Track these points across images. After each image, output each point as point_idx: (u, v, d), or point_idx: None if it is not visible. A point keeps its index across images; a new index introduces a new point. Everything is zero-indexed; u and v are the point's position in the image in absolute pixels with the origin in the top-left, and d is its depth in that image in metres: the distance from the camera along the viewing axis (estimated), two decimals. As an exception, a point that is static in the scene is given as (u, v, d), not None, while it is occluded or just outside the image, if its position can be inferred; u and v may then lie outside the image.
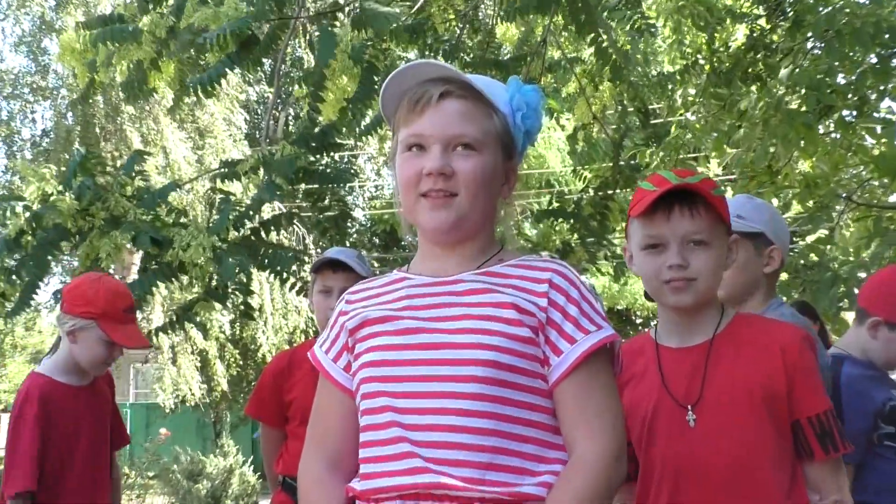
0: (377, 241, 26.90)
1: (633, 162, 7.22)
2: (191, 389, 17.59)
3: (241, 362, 18.81)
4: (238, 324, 18.28)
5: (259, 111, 22.11)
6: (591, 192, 7.07)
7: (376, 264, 21.83)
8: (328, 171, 5.49)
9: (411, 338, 1.82)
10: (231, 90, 18.25)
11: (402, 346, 1.82)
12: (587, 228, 6.64)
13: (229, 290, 5.27)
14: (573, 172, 7.40)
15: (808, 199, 6.85)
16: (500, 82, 1.96)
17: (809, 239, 6.55)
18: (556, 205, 6.84)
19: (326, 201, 5.86)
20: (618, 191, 7.06)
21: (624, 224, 7.95)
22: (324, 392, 1.95)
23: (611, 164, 7.14)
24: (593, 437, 1.75)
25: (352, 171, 25.96)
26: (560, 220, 6.71)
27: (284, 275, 5.27)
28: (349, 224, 27.28)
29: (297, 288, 5.58)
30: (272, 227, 5.42)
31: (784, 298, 4.34)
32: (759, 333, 2.28)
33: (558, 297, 1.82)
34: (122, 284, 3.76)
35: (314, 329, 18.86)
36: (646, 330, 2.53)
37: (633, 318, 25.39)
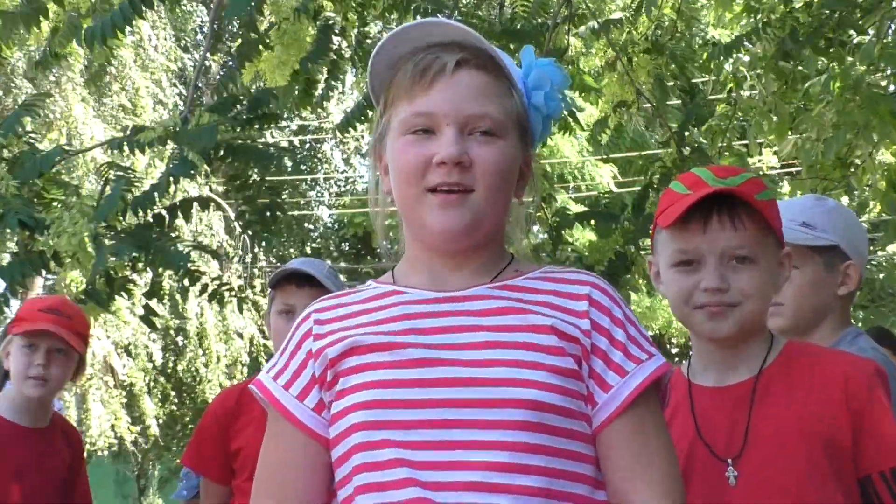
0: (346, 248, 26.87)
1: (699, 143, 7.19)
2: (115, 431, 17.49)
3: (175, 400, 18.77)
4: (171, 352, 18.27)
5: (202, 85, 22.10)
6: (642, 190, 7.05)
7: (345, 278, 21.84)
8: (260, 147, 5.47)
9: (423, 371, 1.79)
10: (159, 57, 18.23)
11: (410, 382, 1.79)
12: (647, 234, 6.58)
13: (115, 290, 5.24)
14: (612, 159, 7.33)
15: (892, 200, 6.84)
16: (509, 57, 1.96)
17: (891, 249, 6.52)
18: (604, 205, 6.78)
19: (252, 190, 5.75)
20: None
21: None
22: (280, 436, 1.89)
23: (672, 150, 7.12)
24: (653, 493, 1.78)
25: (315, 157, 25.78)
26: (610, 224, 6.66)
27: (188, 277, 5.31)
28: (311, 226, 27.29)
29: (208, 293, 5.65)
30: (179, 214, 5.35)
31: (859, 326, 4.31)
32: (816, 367, 2.28)
33: (602, 317, 1.84)
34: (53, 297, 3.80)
35: (266, 357, 18.84)
36: (682, 363, 2.50)
37: (668, 345, 25.39)
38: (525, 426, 1.73)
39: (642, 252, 6.58)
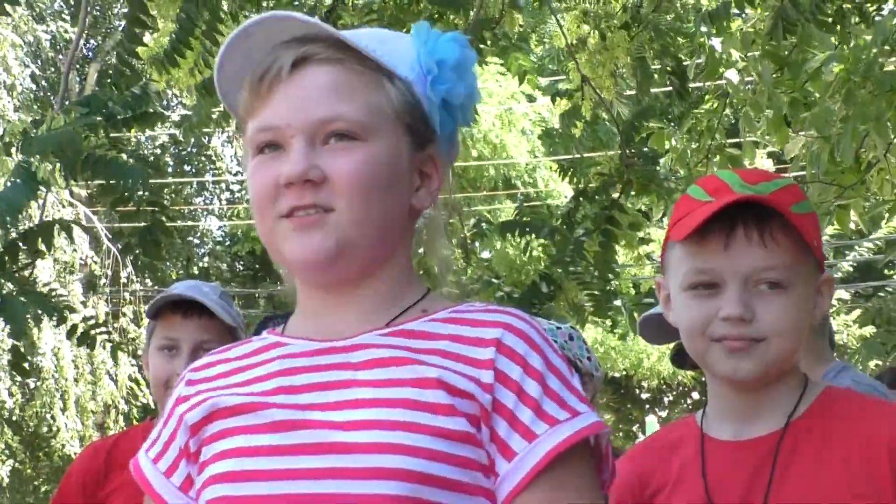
0: (240, 268, 26.79)
1: (647, 149, 7.24)
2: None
3: (25, 454, 18.56)
4: (21, 396, 18.08)
5: (60, 62, 21.95)
6: (578, 200, 7.08)
7: (238, 306, 21.88)
8: (126, 162, 5.40)
9: (287, 437, 1.80)
10: (4, 29, 17.98)
11: (272, 449, 1.80)
12: (581, 254, 6.58)
13: None
14: (562, 171, 7.40)
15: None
16: (406, 36, 1.98)
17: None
18: (527, 213, 6.83)
19: (132, 204, 5.70)
20: (631, 197, 7.08)
21: (636, 250, 7.99)
22: None
23: (614, 154, 7.17)
24: None
25: (201, 154, 25.67)
26: (533, 236, 6.71)
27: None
28: (197, 241, 27.12)
29: (77, 335, 5.64)
30: (43, 240, 5.31)
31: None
32: (856, 420, 2.27)
33: (512, 368, 1.80)
34: None
35: (140, 406, 18.69)
36: (692, 414, 2.49)
37: (638, 389, 25.62)
38: (394, 502, 1.72)
39: (571, 276, 6.65)
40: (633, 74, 7.33)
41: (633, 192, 7.20)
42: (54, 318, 5.27)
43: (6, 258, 5.18)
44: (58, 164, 5.00)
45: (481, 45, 6.84)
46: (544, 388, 1.79)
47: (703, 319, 2.27)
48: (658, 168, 7.31)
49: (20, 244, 5.23)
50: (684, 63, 7.71)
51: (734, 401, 2.33)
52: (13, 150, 5.08)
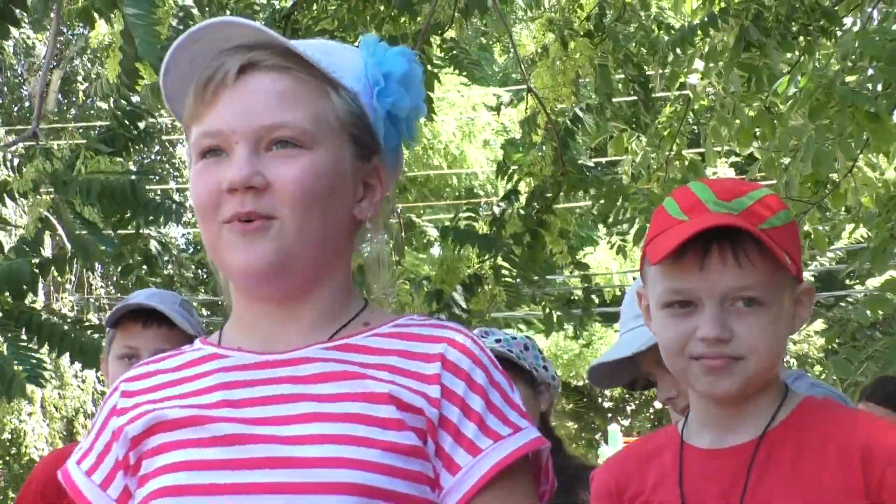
0: (203, 275, 26.54)
1: (582, 159, 7.31)
2: None
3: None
4: (-18, 403, 17.87)
5: (19, 69, 21.74)
6: (520, 201, 7.18)
7: (205, 313, 21.71)
8: (156, 199, 5.48)
9: (233, 451, 1.80)
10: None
11: (218, 463, 1.80)
12: (509, 256, 6.69)
13: None
14: (500, 172, 7.47)
15: (874, 225, 6.94)
16: (354, 48, 1.99)
17: (871, 284, 6.62)
18: (462, 220, 6.99)
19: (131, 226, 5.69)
20: (561, 198, 7.13)
21: (564, 249, 8.09)
22: None
23: (546, 162, 7.22)
24: None
25: (162, 165, 25.47)
26: (465, 244, 6.78)
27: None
28: (159, 247, 27.05)
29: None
30: (56, 269, 5.33)
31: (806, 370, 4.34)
32: (832, 428, 2.25)
33: (456, 383, 1.83)
34: None
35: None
36: (675, 423, 2.52)
37: (601, 398, 25.62)
38: None
39: (504, 277, 6.77)
40: (595, 83, 7.35)
41: (562, 194, 7.31)
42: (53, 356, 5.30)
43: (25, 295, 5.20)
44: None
45: (430, 51, 6.90)
46: (487, 404, 1.82)
47: (680, 338, 2.26)
48: (590, 172, 7.38)
49: (37, 273, 5.23)
50: (647, 73, 7.76)
51: (714, 412, 2.32)
52: (42, 189, 5.15)
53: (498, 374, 1.85)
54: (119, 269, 6.32)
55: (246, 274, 1.84)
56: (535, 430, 1.84)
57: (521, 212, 7.20)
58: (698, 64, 7.43)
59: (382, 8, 6.82)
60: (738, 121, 7.00)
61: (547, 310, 7.67)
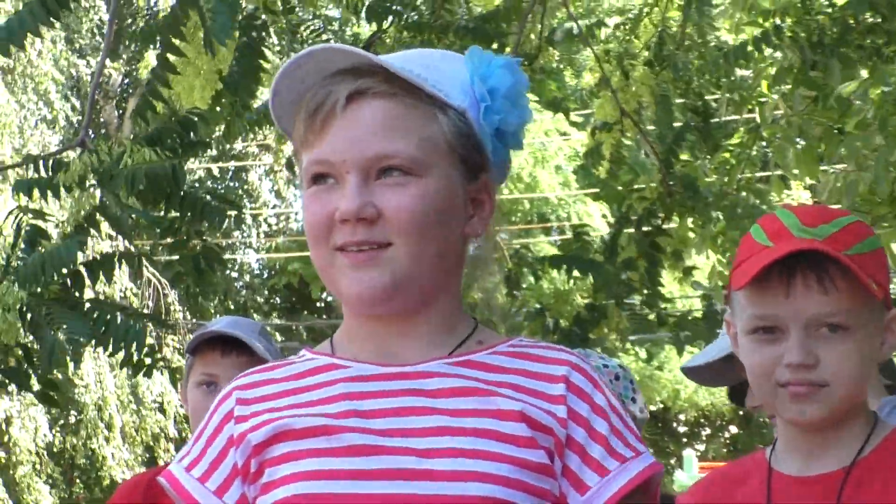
0: (277, 301, 26.68)
1: (689, 178, 7.20)
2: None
3: (63, 488, 18.48)
4: (61, 427, 18.02)
5: (99, 98, 21.99)
6: (620, 226, 7.07)
7: (279, 338, 21.75)
8: (204, 196, 5.44)
9: (365, 461, 1.80)
10: (44, 63, 17.99)
11: (350, 473, 1.80)
12: (624, 283, 6.63)
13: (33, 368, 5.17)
14: (601, 194, 7.38)
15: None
16: (456, 55, 1.98)
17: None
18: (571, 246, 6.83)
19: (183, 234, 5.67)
20: (673, 221, 7.06)
21: (679, 273, 7.92)
22: None
23: (655, 185, 7.16)
24: None
25: (238, 191, 25.57)
26: (577, 270, 6.68)
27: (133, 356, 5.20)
28: (235, 274, 27.01)
29: (144, 368, 5.54)
30: (101, 273, 5.30)
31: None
32: None
33: (580, 404, 1.85)
34: None
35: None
36: (763, 449, 2.50)
37: (675, 422, 25.37)
38: None
39: (619, 304, 6.66)
40: (655, 113, 7.33)
41: (675, 217, 7.23)
42: (96, 346, 5.24)
43: (73, 289, 5.17)
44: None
45: None
46: (610, 426, 1.84)
47: (767, 364, 2.26)
48: (699, 195, 7.26)
49: (84, 274, 5.21)
50: (709, 99, 7.73)
51: (801, 439, 2.32)
52: (87, 183, 5.08)
53: (613, 398, 1.87)
54: (169, 278, 6.26)
55: (359, 300, 1.85)
56: (650, 455, 1.86)
57: (634, 237, 7.12)
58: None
59: (457, 38, 6.78)
60: (802, 141, 6.98)
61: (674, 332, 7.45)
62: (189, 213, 5.31)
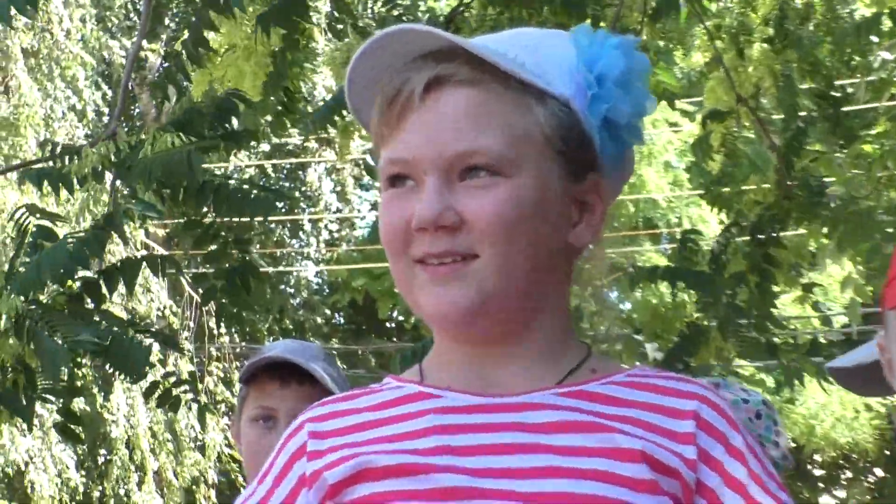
0: (339, 320, 26.64)
1: (812, 179, 7.16)
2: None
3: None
4: (93, 470, 18.16)
5: (133, 86, 22.21)
6: (730, 234, 7.09)
7: (342, 365, 21.83)
8: (245, 188, 5.38)
9: None
10: (72, 45, 18.18)
11: None
12: (732, 302, 6.61)
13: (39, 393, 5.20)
14: (708, 197, 7.32)
15: None
16: (561, 34, 1.98)
17: None
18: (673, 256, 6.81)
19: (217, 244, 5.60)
20: (790, 229, 7.02)
21: (797, 291, 7.80)
22: None
23: (770, 186, 7.17)
24: None
25: (293, 192, 25.54)
26: (682, 285, 6.66)
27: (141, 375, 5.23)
28: (290, 289, 26.84)
29: (155, 396, 5.65)
30: (123, 279, 5.32)
31: None
32: None
33: (714, 445, 1.85)
34: None
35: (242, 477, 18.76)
36: None
37: (810, 464, 25.02)
38: None
39: (725, 326, 6.60)
40: (777, 97, 7.28)
41: (792, 226, 7.21)
42: (102, 364, 5.27)
43: (88, 298, 5.19)
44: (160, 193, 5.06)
45: None
46: (749, 471, 1.82)
47: None
48: (824, 199, 7.20)
49: (100, 283, 5.22)
50: (841, 84, 7.68)
51: None
52: (106, 176, 5.12)
53: (751, 438, 1.86)
54: (202, 295, 6.10)
55: (442, 319, 1.85)
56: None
57: (745, 247, 7.08)
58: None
59: (550, 14, 6.85)
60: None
61: (784, 360, 7.30)
62: (224, 209, 5.29)
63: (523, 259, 1.83)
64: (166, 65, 5.76)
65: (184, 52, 5.88)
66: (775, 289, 7.20)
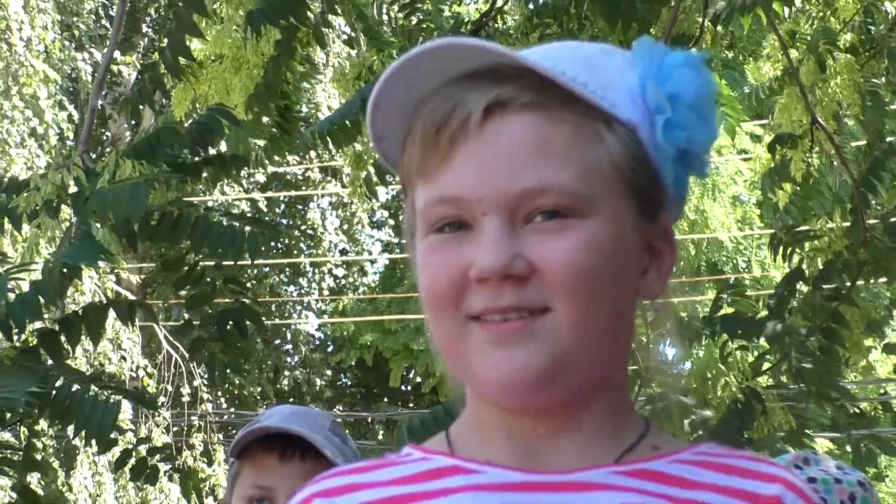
0: (346, 382, 26.68)
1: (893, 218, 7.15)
2: None
3: None
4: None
5: (105, 104, 22.30)
6: (793, 286, 7.07)
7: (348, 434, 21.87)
8: (232, 223, 5.31)
9: None
10: (35, 59, 18.24)
11: None
12: (807, 354, 6.58)
13: None
14: (773, 244, 7.29)
15: None
16: (617, 49, 1.96)
17: None
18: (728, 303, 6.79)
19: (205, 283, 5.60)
20: (863, 281, 7.00)
21: (864, 355, 7.82)
22: None
23: (846, 224, 7.16)
24: None
25: (295, 228, 25.56)
26: (740, 339, 6.65)
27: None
28: (288, 346, 26.86)
29: (129, 467, 5.57)
30: (87, 329, 5.31)
31: None
32: None
33: None
34: None
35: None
36: None
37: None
38: None
39: (781, 392, 6.54)
40: (861, 115, 7.23)
41: (871, 279, 7.12)
42: (50, 423, 5.24)
43: (41, 350, 5.17)
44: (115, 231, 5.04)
45: None
46: None
47: None
48: None
49: (59, 333, 5.22)
50: None
51: None
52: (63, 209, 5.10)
53: None
54: (188, 347, 6.11)
55: (506, 391, 1.81)
56: None
57: (811, 301, 6.98)
58: None
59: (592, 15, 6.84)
60: None
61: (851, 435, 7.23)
62: (203, 247, 5.26)
63: (601, 314, 1.81)
64: (140, 78, 5.73)
65: (161, 63, 5.86)
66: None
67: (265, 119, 6.58)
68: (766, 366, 6.91)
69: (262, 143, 6.92)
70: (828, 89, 7.16)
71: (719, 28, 7.47)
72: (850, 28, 7.46)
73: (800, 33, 7.48)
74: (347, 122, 6.21)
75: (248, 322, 5.52)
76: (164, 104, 6.22)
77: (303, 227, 24.98)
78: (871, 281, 7.30)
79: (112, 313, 5.54)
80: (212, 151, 5.57)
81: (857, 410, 7.39)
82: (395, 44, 6.88)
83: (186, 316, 5.58)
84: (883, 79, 7.41)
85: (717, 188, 20.52)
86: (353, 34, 7.30)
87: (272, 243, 24.02)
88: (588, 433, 1.86)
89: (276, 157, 6.75)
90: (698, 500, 1.81)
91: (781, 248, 7.25)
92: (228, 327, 5.48)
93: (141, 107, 6.13)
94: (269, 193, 24.51)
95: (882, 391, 18.75)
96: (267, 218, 24.07)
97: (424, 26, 7.28)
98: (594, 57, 1.89)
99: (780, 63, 7.58)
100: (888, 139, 7.50)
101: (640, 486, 1.82)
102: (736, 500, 1.82)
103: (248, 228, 5.25)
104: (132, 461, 5.58)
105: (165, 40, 5.89)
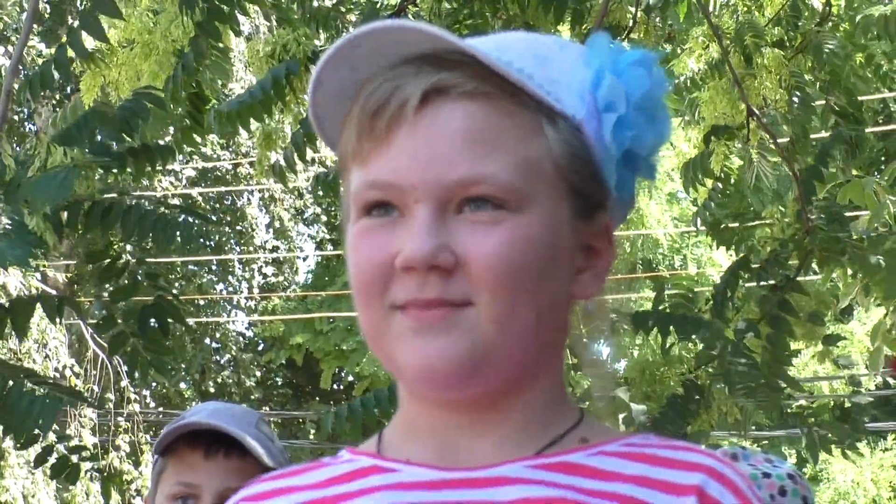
0: (277, 381, 26.47)
1: (834, 209, 7.19)
2: None
3: None
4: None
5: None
6: (736, 275, 7.13)
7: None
8: (165, 212, 5.32)
9: None
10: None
11: None
12: (740, 352, 6.62)
13: None
14: (713, 230, 7.31)
15: None
16: (574, 45, 1.97)
17: None
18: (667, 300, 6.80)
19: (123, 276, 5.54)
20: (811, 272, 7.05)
21: (817, 344, 7.79)
22: None
23: (788, 216, 7.26)
24: None
25: (224, 224, 25.40)
26: (682, 334, 6.67)
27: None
28: (217, 344, 26.62)
29: (49, 464, 5.55)
30: (12, 323, 5.30)
31: None
32: None
33: None
34: None
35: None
36: None
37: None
38: None
39: (729, 382, 6.58)
40: (787, 111, 7.29)
41: (814, 267, 7.17)
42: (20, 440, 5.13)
43: None
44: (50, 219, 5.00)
45: None
46: None
47: None
48: (850, 235, 7.15)
49: None
50: (870, 98, 7.73)
51: None
52: None
53: None
54: (109, 342, 5.84)
55: (425, 379, 1.81)
56: None
57: (759, 291, 7.06)
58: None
59: (519, 9, 6.82)
60: None
61: (806, 427, 7.23)
62: (134, 233, 5.25)
63: (526, 311, 1.81)
64: (42, 61, 5.63)
65: (69, 45, 5.79)
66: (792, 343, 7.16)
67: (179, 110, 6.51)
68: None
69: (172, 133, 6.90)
70: (754, 84, 7.21)
71: (658, 20, 7.52)
72: (776, 22, 7.52)
73: (723, 29, 7.52)
74: (257, 103, 6.13)
75: (170, 320, 5.49)
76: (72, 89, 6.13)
77: (236, 226, 24.77)
78: (813, 273, 7.38)
79: (39, 311, 5.52)
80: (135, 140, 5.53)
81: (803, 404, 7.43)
82: (303, 25, 6.82)
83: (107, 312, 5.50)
84: (810, 76, 7.48)
85: (653, 185, 20.60)
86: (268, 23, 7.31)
87: (202, 240, 23.82)
88: (513, 428, 1.86)
89: (187, 147, 6.68)
90: (612, 492, 1.80)
91: (726, 241, 7.31)
92: (151, 324, 5.45)
93: (43, 93, 6.06)
94: (199, 189, 24.32)
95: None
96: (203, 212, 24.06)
97: (341, 9, 7.27)
98: (547, 50, 1.89)
99: (704, 56, 7.66)
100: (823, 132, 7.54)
101: (553, 479, 1.81)
102: (655, 490, 1.81)
103: (181, 218, 5.26)
104: (52, 459, 5.52)
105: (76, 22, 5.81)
